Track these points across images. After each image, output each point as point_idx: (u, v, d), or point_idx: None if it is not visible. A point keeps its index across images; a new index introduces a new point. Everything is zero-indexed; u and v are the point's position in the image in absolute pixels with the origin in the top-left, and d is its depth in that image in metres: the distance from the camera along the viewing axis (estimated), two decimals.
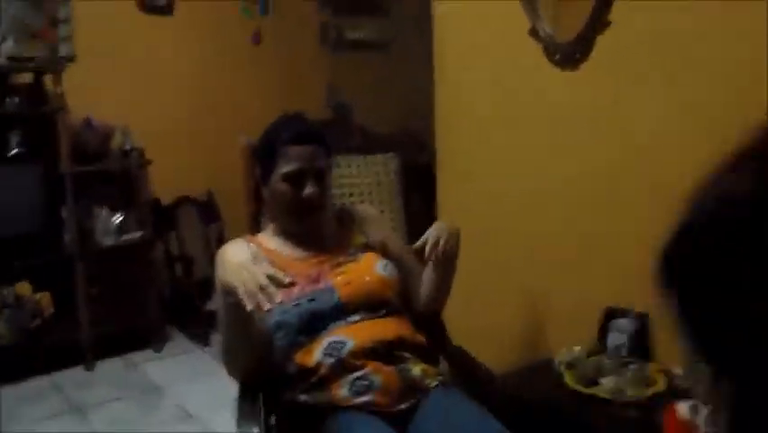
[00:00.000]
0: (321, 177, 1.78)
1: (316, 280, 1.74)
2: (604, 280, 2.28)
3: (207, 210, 4.03)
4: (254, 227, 2.02)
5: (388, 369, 1.64)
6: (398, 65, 4.34)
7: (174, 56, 4.12)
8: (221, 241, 3.46)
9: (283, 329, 1.68)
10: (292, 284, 1.59)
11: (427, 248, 1.72)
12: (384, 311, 1.74)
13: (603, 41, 2.16)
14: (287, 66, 4.42)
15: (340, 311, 1.70)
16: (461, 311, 2.21)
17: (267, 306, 1.46)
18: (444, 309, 2.04)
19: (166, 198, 3.98)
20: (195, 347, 3.75)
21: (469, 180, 2.76)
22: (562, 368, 2.10)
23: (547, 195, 2.44)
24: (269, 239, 1.86)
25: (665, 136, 2.06)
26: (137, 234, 3.64)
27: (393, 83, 4.34)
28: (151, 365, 3.54)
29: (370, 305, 1.73)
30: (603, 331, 2.21)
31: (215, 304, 1.80)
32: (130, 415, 3.03)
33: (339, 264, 1.78)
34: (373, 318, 1.72)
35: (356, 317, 1.70)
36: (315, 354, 1.65)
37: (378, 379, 1.62)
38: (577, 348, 2.17)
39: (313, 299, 1.70)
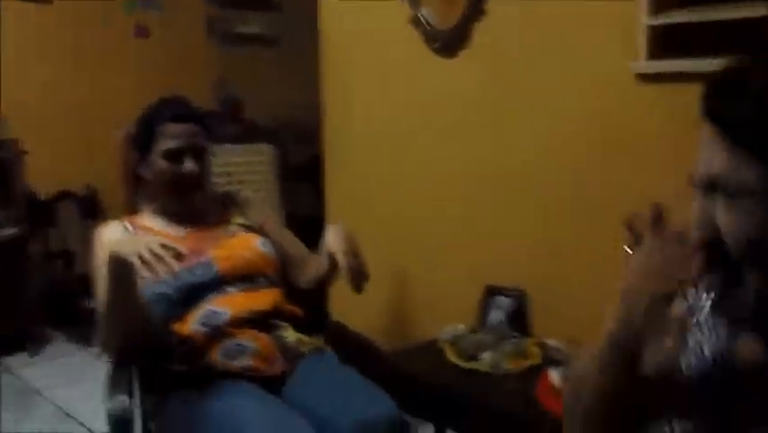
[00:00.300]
0: (200, 155, 1.79)
1: (196, 254, 1.74)
2: (485, 260, 2.36)
3: (88, 205, 3.88)
4: (131, 213, 1.98)
5: (263, 336, 1.67)
6: (289, 59, 4.34)
7: (54, 46, 3.95)
8: None
9: (161, 302, 1.68)
10: (183, 256, 1.56)
11: (345, 265, 1.66)
12: (261, 284, 1.77)
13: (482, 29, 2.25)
14: (173, 59, 4.32)
15: (218, 283, 1.72)
16: (347, 295, 2.24)
17: (166, 274, 1.48)
18: (330, 293, 2.06)
19: (45, 193, 3.80)
20: (75, 349, 3.59)
21: (354, 168, 2.79)
22: (445, 345, 2.17)
23: (429, 179, 2.51)
24: (147, 219, 1.85)
25: (544, 120, 2.16)
26: (11, 230, 3.46)
27: (283, 77, 4.34)
28: (28, 369, 3.36)
29: (248, 278, 1.76)
30: (484, 309, 2.30)
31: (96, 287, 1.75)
32: (4, 419, 2.86)
33: (218, 240, 1.80)
34: (250, 290, 1.74)
35: (233, 289, 1.73)
36: (191, 323, 1.66)
37: (252, 344, 1.65)
38: (459, 326, 2.25)
39: (192, 272, 1.71)
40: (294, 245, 1.95)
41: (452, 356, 2.11)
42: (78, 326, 3.61)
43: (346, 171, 2.84)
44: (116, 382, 1.62)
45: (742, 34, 1.62)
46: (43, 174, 3.71)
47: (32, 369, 3.37)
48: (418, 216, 2.56)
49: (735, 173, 0.76)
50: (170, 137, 1.77)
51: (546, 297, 2.21)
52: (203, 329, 1.65)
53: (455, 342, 2.16)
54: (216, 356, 1.63)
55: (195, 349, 1.64)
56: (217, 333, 1.65)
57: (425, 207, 2.53)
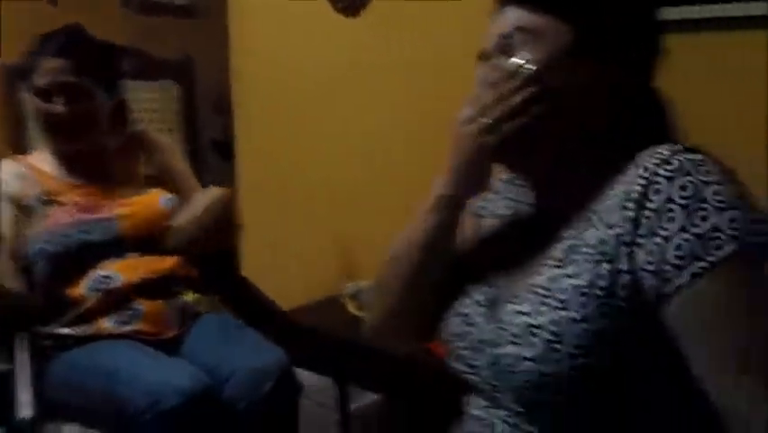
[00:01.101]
0: (75, 95, 1.63)
1: (93, 210, 1.66)
2: (398, 219, 2.38)
3: None
4: (16, 151, 1.85)
5: (157, 301, 1.61)
6: (206, 29, 4.27)
7: None
8: None
9: (45, 258, 1.59)
10: None
11: (178, 222, 1.64)
12: (159, 247, 1.68)
13: None
14: (87, 28, 4.21)
15: (115, 245, 1.63)
16: (261, 255, 2.24)
17: None
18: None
19: None
20: None
21: (265, 131, 2.78)
22: (346, 299, 2.20)
23: (340, 139, 2.52)
24: (42, 161, 1.73)
25: (458, 79, 2.18)
26: None
27: (200, 48, 4.27)
28: None
29: (148, 241, 1.66)
30: None
31: None
32: None
33: (121, 197, 1.70)
34: (148, 255, 1.66)
35: (130, 253, 1.64)
36: (82, 287, 1.59)
37: (143, 308, 1.59)
38: (362, 282, 2.27)
39: (86, 230, 1.62)
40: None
41: (352, 309, 2.14)
42: None
43: (257, 134, 2.82)
44: None
45: None
46: None
47: None
48: (335, 175, 2.55)
49: (529, 22, 0.83)
50: (40, 73, 1.63)
51: None
52: (93, 294, 1.58)
53: (356, 295, 2.19)
54: (105, 322, 1.57)
55: (83, 313, 1.57)
56: (107, 298, 1.57)
57: (340, 165, 2.52)
